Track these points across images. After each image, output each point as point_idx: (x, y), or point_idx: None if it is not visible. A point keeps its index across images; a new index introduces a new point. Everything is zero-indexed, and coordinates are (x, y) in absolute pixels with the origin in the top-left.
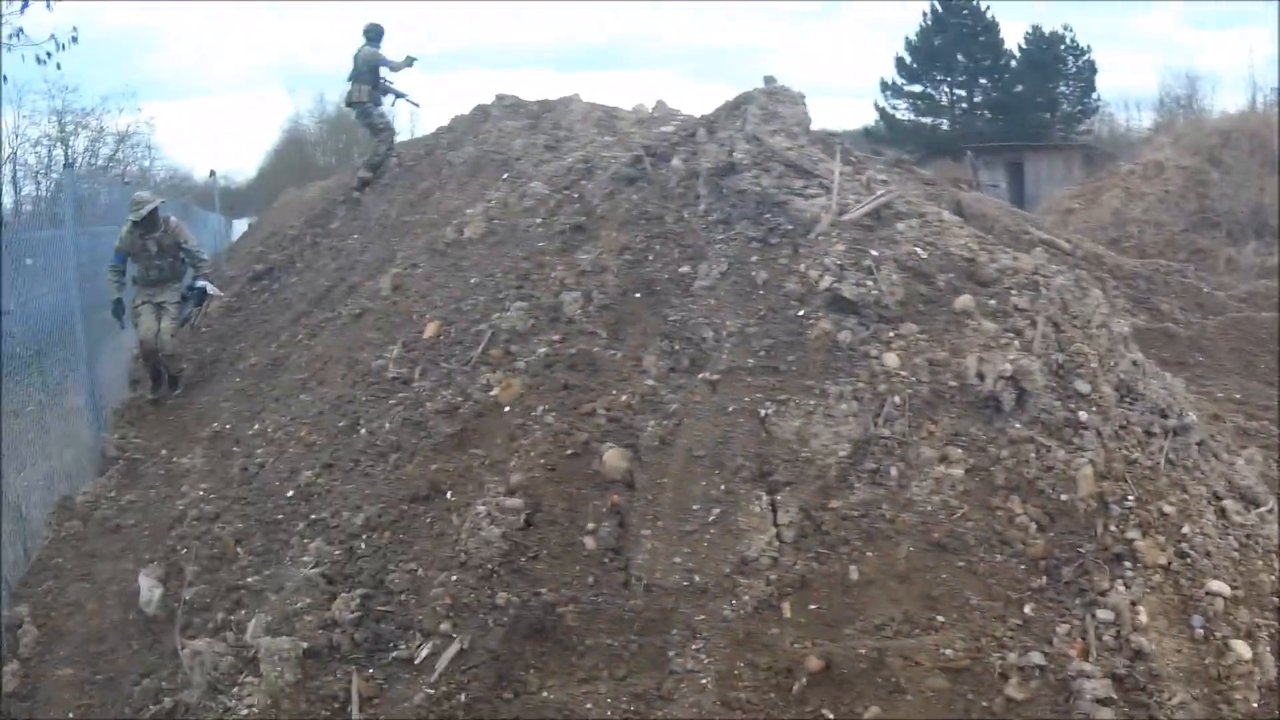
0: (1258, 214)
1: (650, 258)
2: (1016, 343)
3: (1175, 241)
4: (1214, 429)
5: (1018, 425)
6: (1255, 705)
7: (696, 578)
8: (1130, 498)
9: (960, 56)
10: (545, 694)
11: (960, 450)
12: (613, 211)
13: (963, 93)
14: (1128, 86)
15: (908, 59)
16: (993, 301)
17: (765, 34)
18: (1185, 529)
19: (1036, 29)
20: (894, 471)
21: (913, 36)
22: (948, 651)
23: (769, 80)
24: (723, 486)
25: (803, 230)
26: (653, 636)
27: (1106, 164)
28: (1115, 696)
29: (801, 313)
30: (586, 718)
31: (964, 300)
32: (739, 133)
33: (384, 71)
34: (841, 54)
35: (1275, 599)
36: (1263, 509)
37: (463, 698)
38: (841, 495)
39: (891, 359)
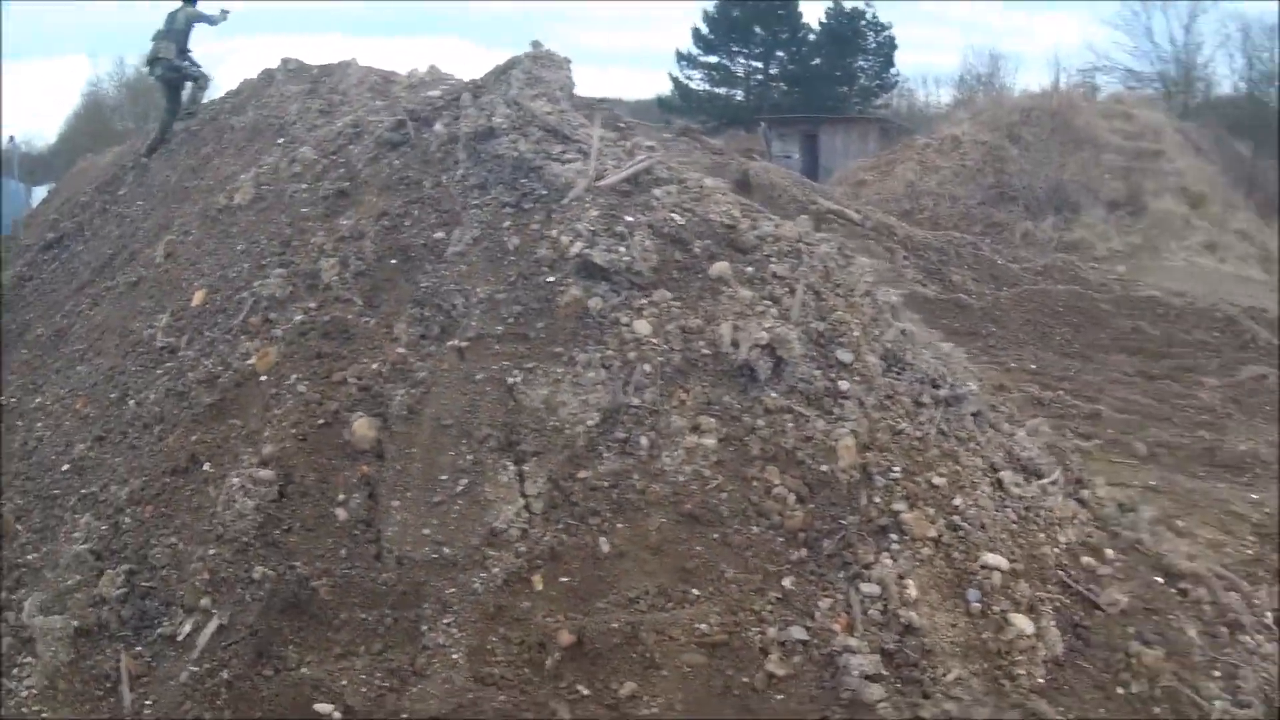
0: (1057, 190)
1: (408, 223)
2: (774, 310)
3: (970, 215)
4: (996, 400)
5: (774, 394)
6: (1041, 680)
7: (446, 550)
8: (896, 469)
9: (758, 29)
10: (304, 669)
11: (713, 420)
12: (375, 177)
13: (759, 65)
14: (930, 63)
15: (704, 30)
16: (750, 269)
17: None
18: (957, 501)
19: (837, 4)
20: (644, 441)
21: (710, 8)
22: (703, 626)
23: (536, 45)
24: (470, 456)
25: (557, 196)
26: (406, 610)
27: (902, 138)
28: (885, 672)
29: (552, 279)
30: (342, 694)
31: (719, 267)
32: (500, 97)
33: (195, 33)
34: (642, 22)
35: (1059, 572)
36: (1045, 480)
37: (225, 675)
38: (590, 465)
39: (643, 326)
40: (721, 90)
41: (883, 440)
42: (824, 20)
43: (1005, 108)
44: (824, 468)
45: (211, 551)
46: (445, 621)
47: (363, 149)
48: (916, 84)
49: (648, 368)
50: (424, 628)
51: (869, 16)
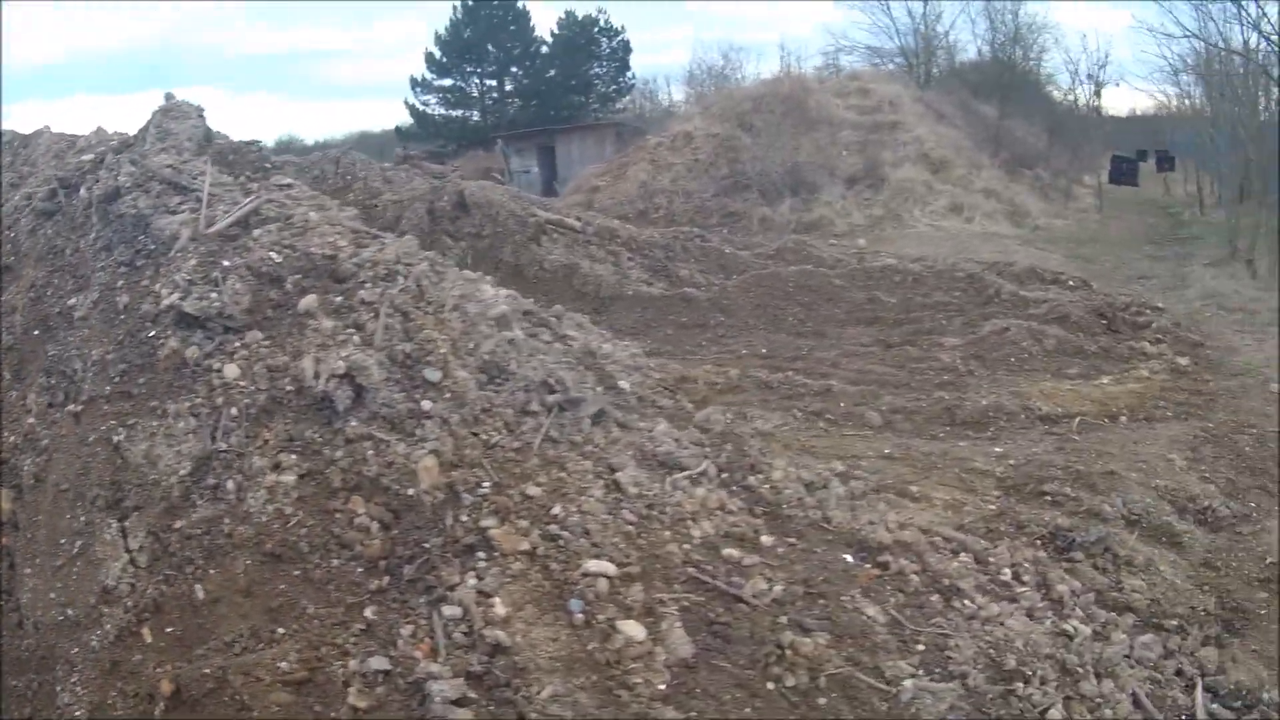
0: (792, 173)
1: (49, 293)
2: (356, 337)
3: (706, 208)
4: (664, 393)
5: (355, 423)
6: (663, 686)
7: (70, 611)
8: (486, 484)
9: (491, 47)
10: None
11: (294, 456)
12: (33, 248)
13: (494, 83)
14: (669, 62)
15: (438, 54)
16: (340, 298)
17: (325, 36)
18: (555, 510)
19: (570, 14)
20: (231, 485)
21: (441, 30)
22: (283, 664)
23: (169, 97)
24: (83, 518)
25: (165, 249)
26: (45, 674)
27: (636, 139)
28: (473, 695)
29: (153, 333)
30: None
31: (308, 301)
32: (128, 156)
33: None
34: (400, 52)
35: (690, 569)
36: (682, 474)
37: None
38: (185, 514)
39: (232, 370)
40: (458, 112)
41: (472, 456)
42: (556, 31)
43: (737, 98)
44: (409, 491)
45: None
46: (72, 681)
47: (26, 220)
48: (658, 85)
49: (234, 411)
50: (58, 689)
51: (602, 23)
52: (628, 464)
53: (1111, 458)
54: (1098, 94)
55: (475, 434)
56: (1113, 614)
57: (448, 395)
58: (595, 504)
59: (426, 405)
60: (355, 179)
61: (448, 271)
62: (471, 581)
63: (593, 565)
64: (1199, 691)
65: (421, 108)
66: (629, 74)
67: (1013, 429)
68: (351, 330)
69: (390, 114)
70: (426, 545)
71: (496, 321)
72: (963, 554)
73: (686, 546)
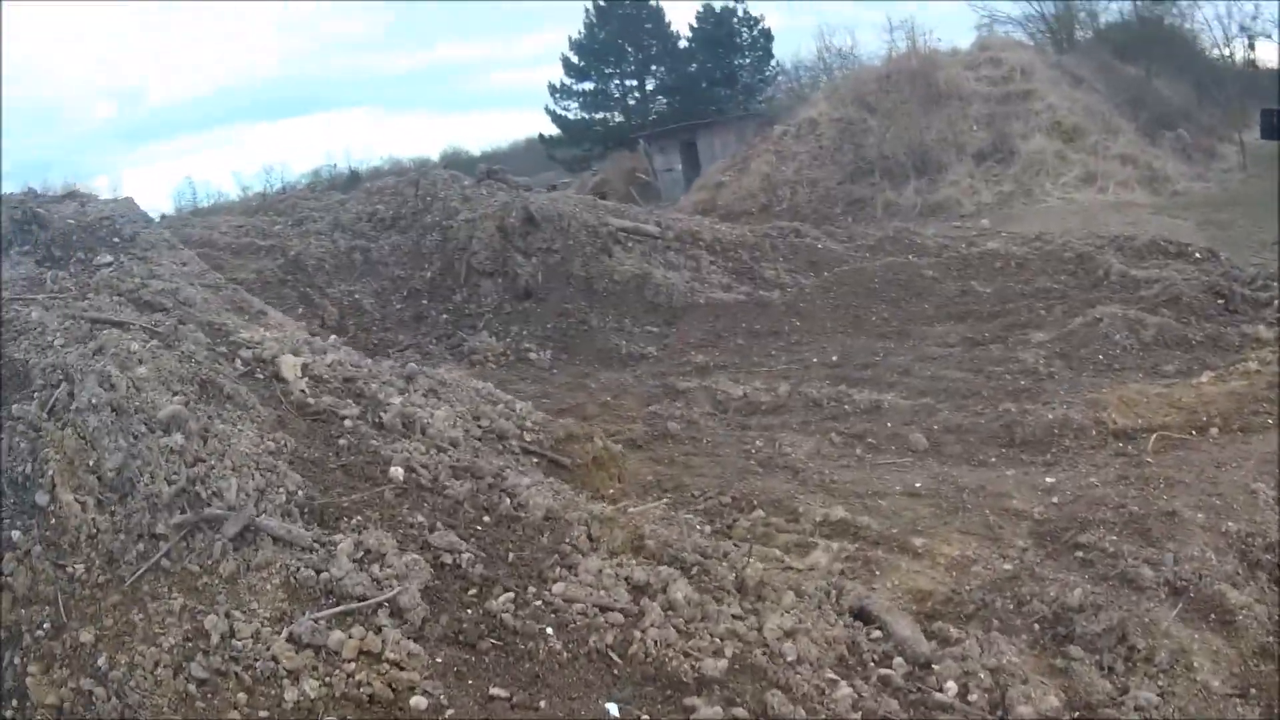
0: (917, 153)
1: None
2: None
3: (830, 196)
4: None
5: None
6: None
7: None
8: (46, 625)
9: (628, 47)
10: None
11: None
12: None
13: (634, 82)
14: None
15: (574, 58)
16: None
17: (468, 49)
18: (101, 660)
19: (708, 6)
20: None
21: (576, 35)
22: None
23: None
24: None
25: None
26: None
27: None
28: None
29: None
30: None
31: None
32: None
33: None
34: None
35: None
36: (327, 612)
37: None
38: None
39: None
40: (600, 115)
41: (47, 592)
42: (694, 25)
43: (862, 79)
44: None
45: None
46: None
47: None
48: (798, 72)
49: None
50: None
51: (740, 14)
52: (254, 599)
53: (1182, 489)
54: (1251, 47)
55: (61, 566)
56: None
57: (53, 521)
58: (158, 654)
59: (15, 535)
60: (435, 199)
61: (88, 377)
62: None
63: None
64: None
65: (563, 113)
66: (772, 63)
67: (1078, 449)
68: None
69: (514, 126)
70: None
71: (165, 424)
72: (895, 660)
73: (264, 715)
